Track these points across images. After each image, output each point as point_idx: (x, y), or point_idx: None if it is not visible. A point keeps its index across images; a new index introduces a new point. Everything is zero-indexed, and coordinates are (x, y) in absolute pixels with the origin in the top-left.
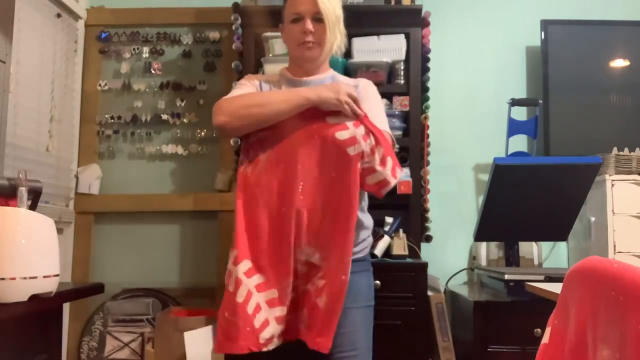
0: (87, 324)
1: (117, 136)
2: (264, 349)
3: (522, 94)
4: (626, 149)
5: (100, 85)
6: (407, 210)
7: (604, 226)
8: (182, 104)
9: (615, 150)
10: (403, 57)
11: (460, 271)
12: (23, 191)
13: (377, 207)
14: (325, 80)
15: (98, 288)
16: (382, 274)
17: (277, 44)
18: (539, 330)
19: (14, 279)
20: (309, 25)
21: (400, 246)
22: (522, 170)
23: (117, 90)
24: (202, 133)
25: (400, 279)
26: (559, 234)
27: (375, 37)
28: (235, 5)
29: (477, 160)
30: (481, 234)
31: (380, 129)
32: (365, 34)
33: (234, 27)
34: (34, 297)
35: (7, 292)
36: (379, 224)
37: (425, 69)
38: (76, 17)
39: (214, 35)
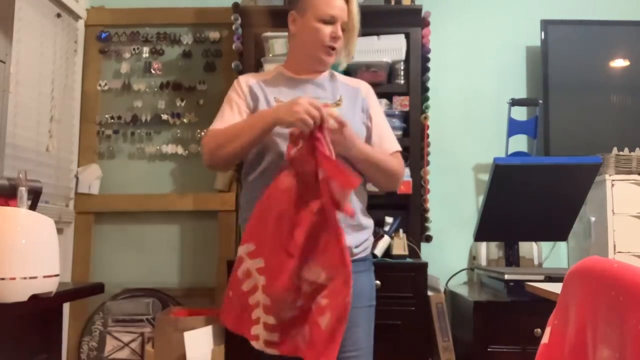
0: (87, 324)
1: (117, 136)
2: (253, 342)
3: (522, 94)
4: (626, 149)
5: (100, 85)
6: (407, 210)
7: (604, 226)
8: (182, 104)
9: (615, 150)
10: (403, 57)
11: (460, 271)
12: (23, 191)
13: (377, 207)
14: (324, 80)
15: (98, 288)
16: (382, 274)
17: (277, 44)
18: (539, 330)
19: (14, 279)
20: (340, 32)
21: (400, 246)
22: (522, 170)
23: (117, 90)
24: (202, 133)
25: (400, 279)
26: (559, 234)
27: (375, 37)
28: (235, 5)
29: (477, 160)
30: (481, 234)
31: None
32: (365, 34)
33: (234, 27)
34: (34, 297)
35: (7, 292)
36: (379, 224)
37: (425, 69)
38: (76, 17)
39: (214, 35)
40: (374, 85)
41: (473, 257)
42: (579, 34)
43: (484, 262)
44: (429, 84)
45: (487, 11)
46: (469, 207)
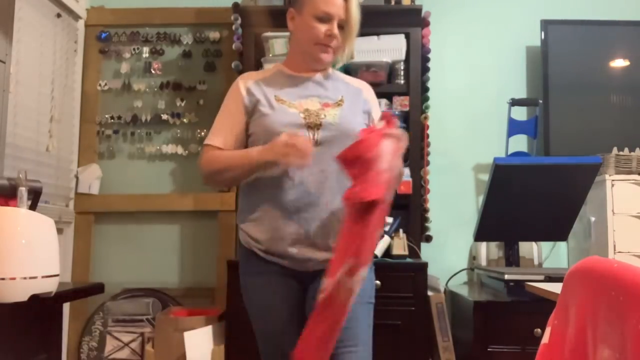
0: (87, 324)
1: (117, 136)
2: None
3: (522, 94)
4: (626, 149)
5: (100, 85)
6: (407, 210)
7: (604, 226)
8: (182, 104)
9: (615, 150)
10: (403, 57)
11: (460, 271)
12: (23, 191)
13: None
14: (325, 78)
15: (98, 288)
16: (382, 274)
17: (277, 44)
18: (539, 330)
19: (14, 279)
20: (337, 30)
21: (400, 246)
22: (522, 170)
23: (117, 90)
24: (202, 133)
25: (400, 279)
26: (559, 234)
27: (375, 37)
28: (235, 5)
29: (477, 160)
30: (481, 234)
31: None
32: (365, 33)
33: (234, 27)
34: (34, 297)
35: (7, 292)
36: None
37: (425, 69)
38: (76, 17)
39: (214, 35)
40: (374, 85)
41: (473, 257)
42: (579, 34)
43: (484, 262)
44: (429, 84)
45: (487, 11)
46: (469, 207)
